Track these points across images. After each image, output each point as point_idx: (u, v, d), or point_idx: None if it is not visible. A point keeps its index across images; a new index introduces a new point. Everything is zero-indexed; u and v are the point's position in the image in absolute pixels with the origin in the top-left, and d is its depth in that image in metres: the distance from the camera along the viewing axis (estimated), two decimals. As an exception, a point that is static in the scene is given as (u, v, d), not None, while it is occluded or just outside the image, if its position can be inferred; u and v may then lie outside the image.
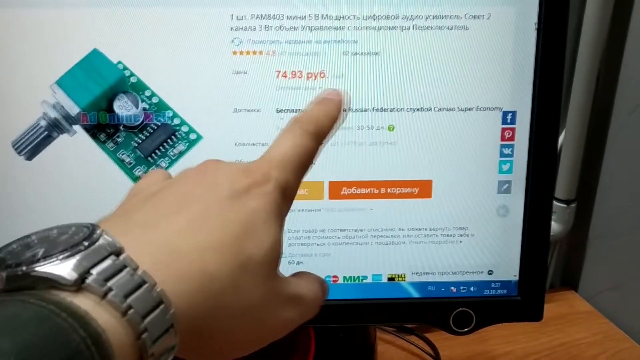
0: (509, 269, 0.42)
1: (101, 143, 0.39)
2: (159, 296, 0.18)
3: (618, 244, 0.64)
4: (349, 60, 0.38)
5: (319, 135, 0.26)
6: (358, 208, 0.40)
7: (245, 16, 0.37)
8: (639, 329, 0.62)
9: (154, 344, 0.18)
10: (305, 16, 0.37)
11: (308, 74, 0.38)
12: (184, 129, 0.39)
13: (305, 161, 0.25)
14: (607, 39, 0.60)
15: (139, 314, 0.18)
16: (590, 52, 0.58)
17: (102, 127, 0.39)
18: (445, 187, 0.40)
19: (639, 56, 0.59)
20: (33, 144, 0.39)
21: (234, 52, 0.38)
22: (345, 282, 0.42)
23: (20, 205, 0.40)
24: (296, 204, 0.40)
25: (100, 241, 0.19)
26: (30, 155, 0.39)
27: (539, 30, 0.38)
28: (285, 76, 0.38)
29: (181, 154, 0.39)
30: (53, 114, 0.38)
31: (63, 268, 0.18)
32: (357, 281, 0.42)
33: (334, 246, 0.41)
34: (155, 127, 0.39)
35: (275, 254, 0.23)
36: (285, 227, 0.40)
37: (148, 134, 0.39)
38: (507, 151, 0.40)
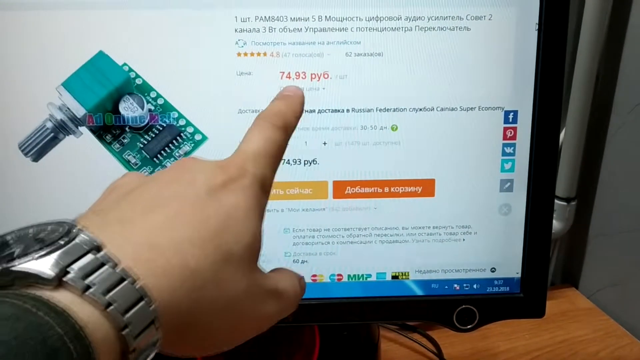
0: (512, 267, 0.43)
1: (107, 144, 0.39)
2: (140, 291, 0.18)
3: (618, 241, 0.65)
4: (352, 61, 0.39)
5: (287, 128, 0.26)
6: (362, 207, 0.41)
7: (249, 18, 0.38)
8: (639, 325, 0.62)
9: (136, 338, 0.18)
10: (308, 18, 0.38)
11: (312, 74, 0.39)
12: (189, 129, 0.39)
13: (277, 154, 0.26)
14: (606, 39, 0.60)
15: (120, 309, 0.18)
16: (590, 52, 0.59)
17: (108, 128, 0.39)
18: (448, 186, 0.41)
19: (637, 55, 0.59)
20: (39, 146, 0.39)
21: (239, 54, 0.38)
22: (350, 280, 0.42)
23: (26, 206, 0.40)
24: (301, 203, 0.41)
25: (77, 239, 0.19)
26: (37, 157, 0.39)
27: (539, 30, 0.39)
28: (289, 77, 0.39)
29: (187, 154, 0.40)
30: (59, 116, 0.39)
31: (41, 265, 0.17)
32: (361, 279, 0.42)
33: (339, 245, 0.41)
34: (161, 128, 0.39)
35: (255, 247, 0.23)
36: (290, 226, 0.41)
37: (154, 135, 0.39)
38: (509, 150, 0.40)
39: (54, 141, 0.39)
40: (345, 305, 0.42)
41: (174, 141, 0.39)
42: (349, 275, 0.42)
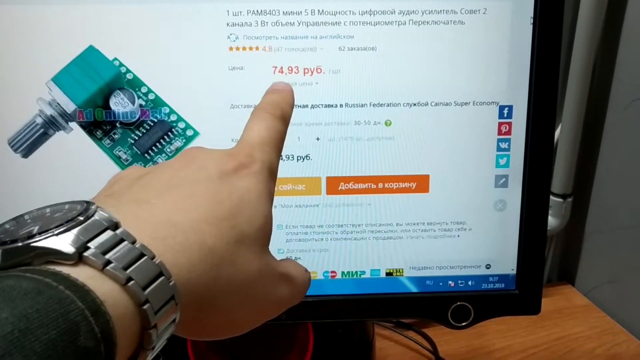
0: (507, 263, 0.42)
1: (97, 140, 0.39)
2: (158, 267, 0.18)
3: (614, 238, 0.64)
4: (345, 56, 0.38)
5: (285, 118, 0.27)
6: (356, 203, 0.40)
7: (241, 12, 0.37)
8: (635, 322, 0.62)
9: (156, 314, 0.18)
10: (301, 11, 0.37)
11: (305, 69, 0.38)
12: (181, 125, 0.39)
13: (280, 142, 0.26)
14: (602, 34, 0.60)
15: (139, 285, 0.18)
16: (586, 47, 0.59)
17: (99, 124, 0.39)
18: (443, 182, 0.40)
19: (633, 51, 0.59)
20: (29, 142, 0.39)
21: (230, 48, 0.38)
22: (344, 277, 0.42)
23: (16, 203, 0.40)
24: (294, 199, 0.41)
25: (96, 216, 0.19)
26: (27, 153, 0.39)
27: (534, 24, 0.38)
28: (282, 72, 0.38)
29: (178, 150, 0.39)
30: (49, 111, 0.38)
31: (61, 241, 0.17)
32: (355, 276, 0.42)
33: (332, 241, 0.41)
34: (152, 124, 0.39)
35: (267, 229, 0.23)
36: (284, 222, 0.40)
37: (145, 131, 0.39)
38: (504, 145, 0.40)
39: (44, 137, 0.39)
40: (339, 302, 0.42)
41: (166, 137, 0.39)
42: (342, 272, 0.42)
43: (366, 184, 0.40)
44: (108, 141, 0.39)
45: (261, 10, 0.37)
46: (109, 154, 0.39)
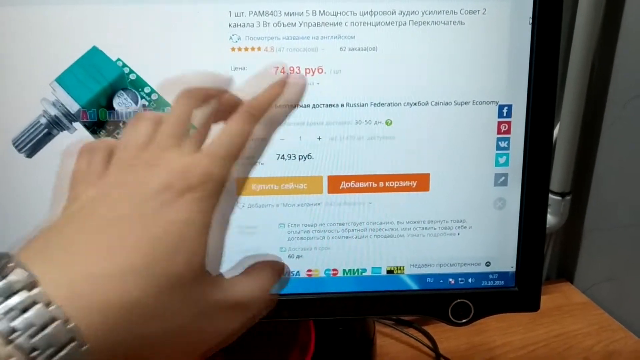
0: (506, 261, 0.43)
1: (101, 140, 0.39)
2: (71, 332, 0.17)
3: (613, 236, 0.65)
4: (346, 56, 0.38)
5: (259, 117, 0.27)
6: (357, 202, 0.41)
7: (243, 13, 0.38)
8: (634, 320, 0.62)
9: None
10: (303, 12, 0.38)
11: (306, 69, 0.39)
12: (184, 125, 0.39)
13: (245, 146, 0.25)
14: (600, 32, 0.61)
15: (45, 355, 0.17)
16: (584, 46, 0.59)
17: (102, 124, 0.39)
18: (443, 180, 0.41)
19: (631, 49, 0.59)
20: (33, 142, 0.39)
21: (232, 49, 0.38)
22: (345, 275, 0.42)
23: (20, 203, 0.40)
24: (295, 198, 0.41)
25: (12, 275, 0.18)
26: (31, 153, 0.39)
27: (533, 24, 0.39)
28: (284, 72, 0.39)
29: (181, 150, 0.40)
30: (53, 112, 0.38)
31: None
32: (356, 274, 0.42)
33: (334, 240, 0.42)
34: (155, 124, 0.39)
35: (205, 261, 0.22)
36: (285, 221, 0.41)
37: (148, 131, 0.39)
38: (503, 144, 0.41)
39: (48, 137, 0.39)
40: (340, 300, 0.42)
41: (169, 136, 0.39)
42: (344, 270, 0.42)
43: (367, 183, 0.41)
44: (111, 141, 0.39)
45: (263, 11, 0.38)
46: (113, 154, 0.39)
